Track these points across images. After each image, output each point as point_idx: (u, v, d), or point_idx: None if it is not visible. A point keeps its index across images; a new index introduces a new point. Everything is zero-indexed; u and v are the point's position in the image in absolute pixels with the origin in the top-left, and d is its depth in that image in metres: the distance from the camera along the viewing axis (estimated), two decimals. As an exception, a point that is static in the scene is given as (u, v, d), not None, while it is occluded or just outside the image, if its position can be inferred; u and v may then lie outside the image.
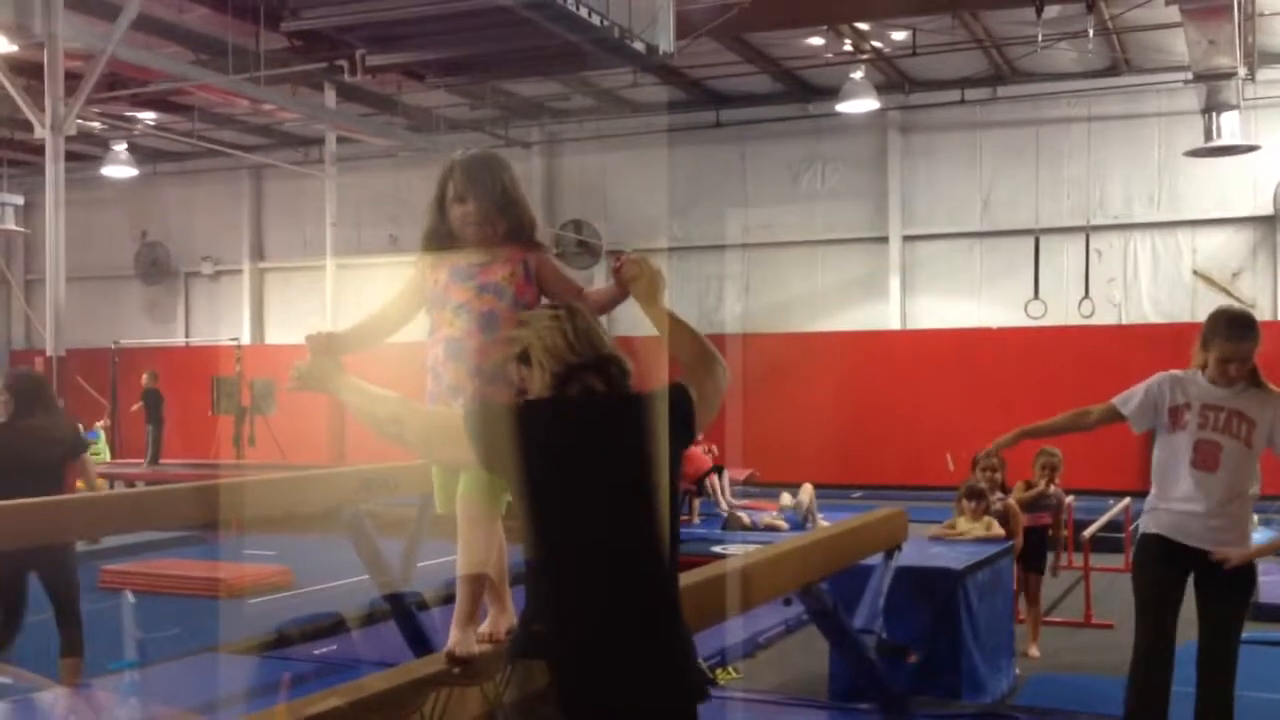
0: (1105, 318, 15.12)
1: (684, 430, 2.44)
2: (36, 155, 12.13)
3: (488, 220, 2.85)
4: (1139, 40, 14.05)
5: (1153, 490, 4.18)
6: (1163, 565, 4.08)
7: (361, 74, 10.89)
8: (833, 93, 14.84)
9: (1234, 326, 4.01)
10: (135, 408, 16.78)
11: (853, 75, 14.31)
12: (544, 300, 2.82)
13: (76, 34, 10.21)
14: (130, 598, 5.18)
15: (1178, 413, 4.04)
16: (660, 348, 2.61)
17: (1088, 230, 15.15)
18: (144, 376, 16.50)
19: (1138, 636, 4.14)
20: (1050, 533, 7.28)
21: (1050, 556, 7.30)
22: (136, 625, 5.06)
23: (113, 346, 17.97)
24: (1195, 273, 15.10)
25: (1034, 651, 6.81)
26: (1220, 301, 13.42)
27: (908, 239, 16.27)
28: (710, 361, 2.56)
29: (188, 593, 8.38)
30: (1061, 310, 15.26)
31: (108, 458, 16.87)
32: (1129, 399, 4.15)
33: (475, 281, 2.82)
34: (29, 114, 10.13)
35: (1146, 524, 4.18)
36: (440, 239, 2.90)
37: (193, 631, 6.63)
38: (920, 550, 6.10)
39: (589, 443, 2.37)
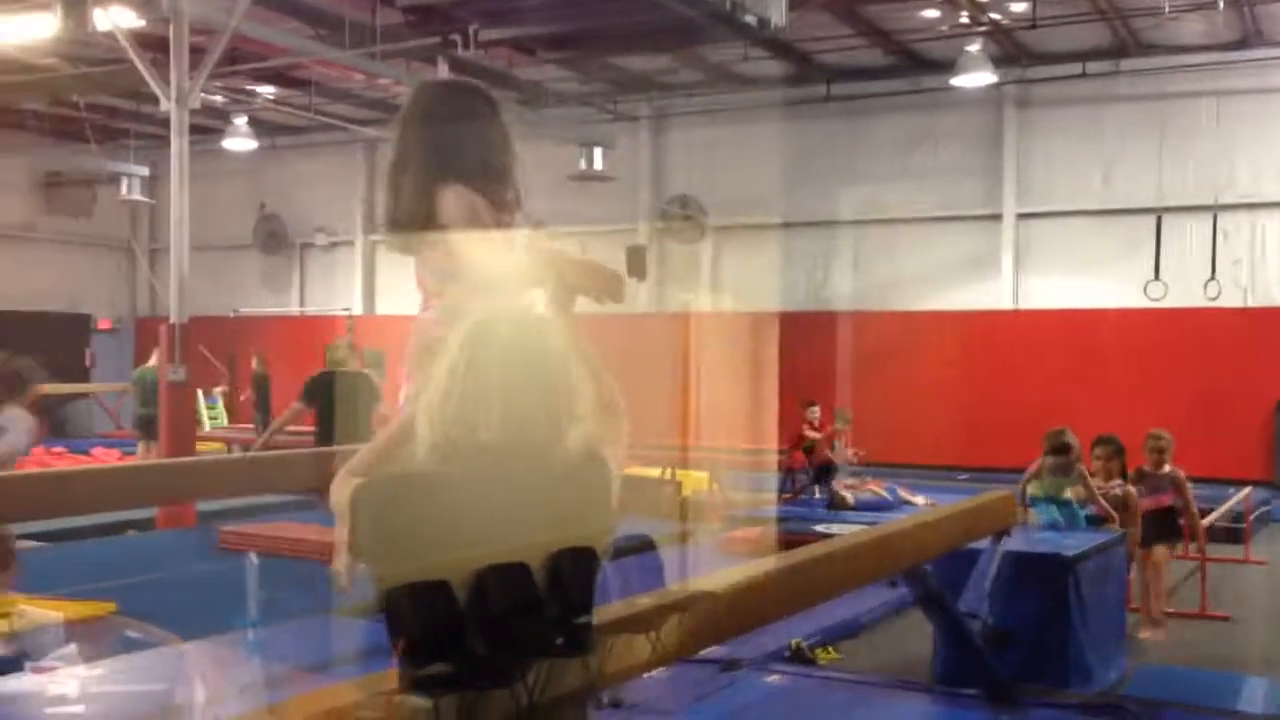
0: (1230, 300, 14.60)
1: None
2: (161, 128, 12.53)
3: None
4: (1271, 11, 13.48)
5: None
6: None
7: (474, 48, 11.00)
8: (947, 66, 14.54)
9: None
10: (244, 397, 16.95)
11: (968, 48, 13.99)
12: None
13: (201, 9, 10.51)
14: (254, 559, 5.35)
15: None
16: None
17: (1215, 210, 14.61)
18: (253, 361, 16.56)
19: None
20: (1178, 514, 7.15)
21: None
22: (256, 585, 5.23)
23: (232, 315, 18.51)
24: (1327, 254, 14.50)
25: (1158, 634, 6.69)
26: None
27: (1021, 216, 15.91)
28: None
29: (303, 555, 8.59)
30: (1183, 292, 14.76)
31: (225, 423, 17.43)
32: None
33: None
34: (155, 87, 10.47)
35: None
36: (509, 194, 2.21)
37: (308, 594, 6.81)
38: (1030, 535, 5.99)
39: None
